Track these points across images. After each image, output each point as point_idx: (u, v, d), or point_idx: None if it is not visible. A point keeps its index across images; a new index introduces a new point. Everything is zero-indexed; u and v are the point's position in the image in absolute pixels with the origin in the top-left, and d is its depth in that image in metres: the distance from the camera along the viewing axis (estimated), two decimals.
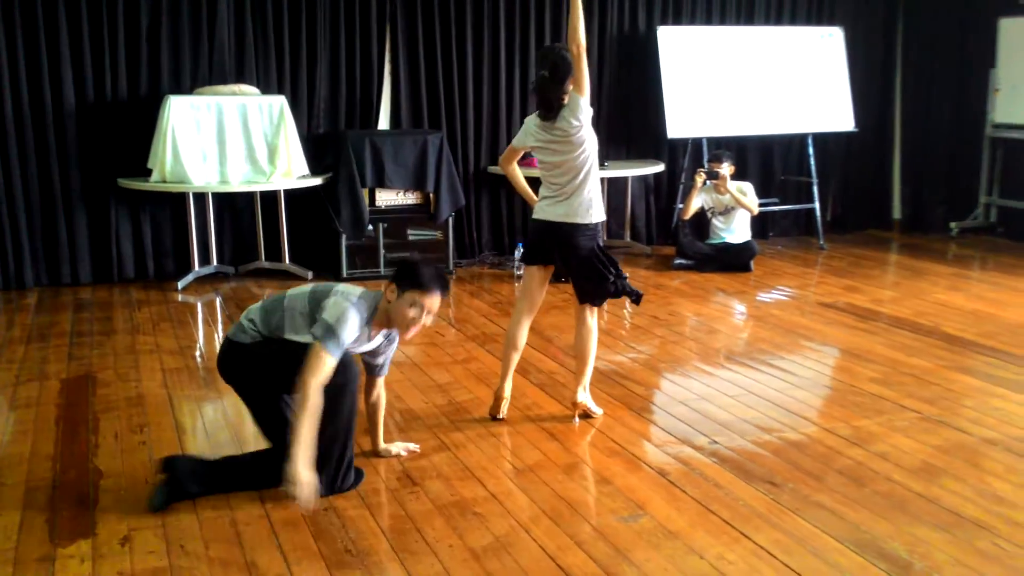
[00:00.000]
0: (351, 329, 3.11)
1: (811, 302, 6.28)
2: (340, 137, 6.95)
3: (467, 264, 7.51)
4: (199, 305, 6.31)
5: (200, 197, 6.80)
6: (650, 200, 8.31)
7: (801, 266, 7.50)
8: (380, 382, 3.57)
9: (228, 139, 6.49)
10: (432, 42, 7.40)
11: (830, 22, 8.48)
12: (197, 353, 5.20)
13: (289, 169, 6.65)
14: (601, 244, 3.94)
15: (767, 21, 8.40)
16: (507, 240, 7.78)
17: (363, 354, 3.44)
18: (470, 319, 5.86)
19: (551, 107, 3.80)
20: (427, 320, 3.25)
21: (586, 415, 4.08)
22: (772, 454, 3.68)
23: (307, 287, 3.32)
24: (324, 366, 3.03)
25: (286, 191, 6.87)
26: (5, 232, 6.48)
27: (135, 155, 6.59)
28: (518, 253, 7.07)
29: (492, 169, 7.64)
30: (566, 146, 3.81)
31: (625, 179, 7.89)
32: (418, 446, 3.72)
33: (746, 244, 7.32)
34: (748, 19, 8.35)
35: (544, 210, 3.94)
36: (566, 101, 3.78)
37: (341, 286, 3.28)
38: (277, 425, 3.25)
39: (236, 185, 6.57)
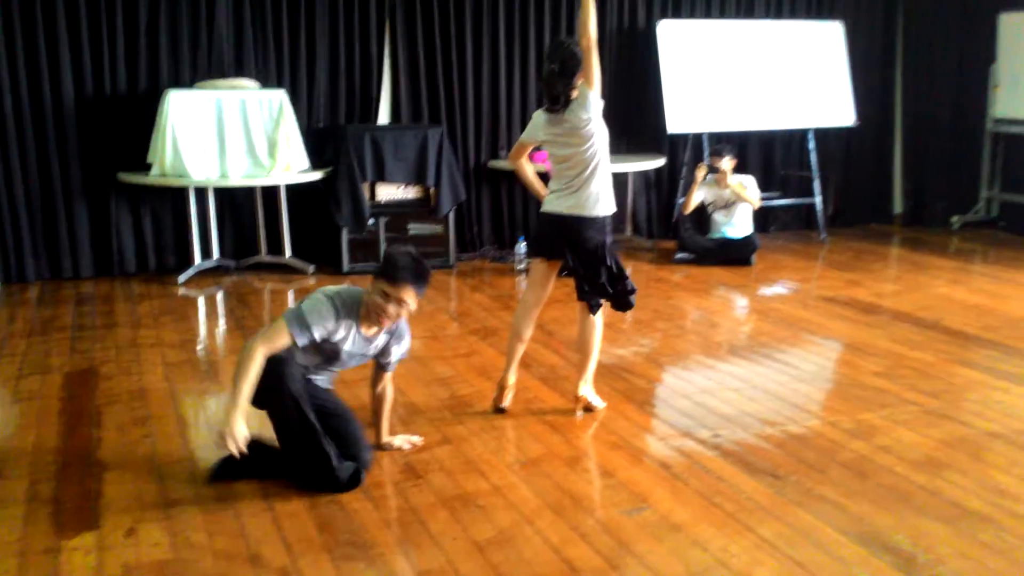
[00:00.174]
0: (318, 315, 3.20)
1: (813, 296, 6.28)
2: (340, 131, 6.94)
3: (468, 258, 7.51)
4: (200, 299, 6.30)
5: (201, 191, 6.79)
6: (651, 195, 8.32)
7: (802, 260, 7.50)
8: (387, 377, 3.57)
9: (228, 133, 6.49)
10: (432, 36, 7.39)
11: (830, 16, 8.47)
12: (199, 347, 5.20)
13: (289, 163, 6.65)
14: (610, 242, 3.93)
15: (767, 15, 8.39)
16: (508, 234, 7.77)
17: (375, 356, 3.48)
18: (471, 313, 5.86)
19: (557, 100, 3.80)
20: (400, 311, 3.25)
21: (588, 408, 4.09)
22: (775, 447, 3.69)
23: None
24: (276, 335, 3.16)
25: (287, 185, 6.87)
26: (6, 226, 6.48)
27: (135, 149, 6.58)
28: (519, 247, 7.07)
29: (492, 163, 7.64)
30: (575, 139, 3.81)
31: (626, 174, 7.88)
32: (421, 439, 3.72)
33: (747, 238, 7.32)
34: (748, 13, 8.34)
35: (553, 203, 3.94)
36: (575, 95, 3.78)
37: (335, 287, 3.37)
38: (291, 436, 3.27)
39: (236, 179, 6.57)
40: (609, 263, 3.90)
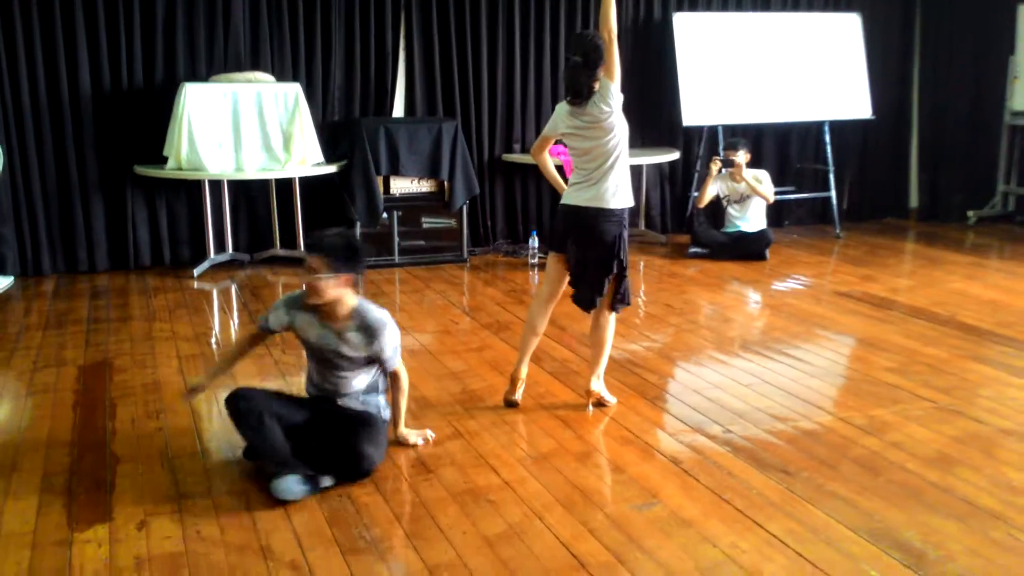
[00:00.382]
0: (275, 307, 3.53)
1: (827, 291, 6.25)
2: (355, 125, 6.95)
3: (481, 252, 7.51)
4: (215, 292, 6.34)
5: (216, 184, 6.83)
6: (665, 188, 8.29)
7: (817, 255, 7.47)
8: (394, 373, 3.53)
9: (243, 127, 6.52)
10: (447, 29, 7.39)
11: (847, 8, 8.42)
12: (213, 340, 5.23)
13: (304, 157, 6.66)
14: (625, 237, 3.91)
15: (783, 7, 8.34)
16: (522, 228, 7.76)
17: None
18: (484, 307, 5.87)
19: (580, 93, 3.80)
20: (310, 279, 3.31)
21: (600, 403, 4.09)
22: (786, 443, 3.68)
23: None
24: (253, 331, 3.67)
25: (301, 179, 6.89)
26: (23, 219, 6.54)
27: (151, 142, 6.62)
28: (532, 241, 7.06)
29: (507, 157, 7.64)
30: (596, 131, 3.80)
31: (640, 167, 7.86)
32: (434, 434, 3.73)
33: (761, 232, 7.29)
34: (764, 5, 8.30)
35: (571, 195, 3.93)
36: (597, 87, 3.78)
37: None
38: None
39: (251, 173, 6.59)
40: (622, 258, 3.89)
